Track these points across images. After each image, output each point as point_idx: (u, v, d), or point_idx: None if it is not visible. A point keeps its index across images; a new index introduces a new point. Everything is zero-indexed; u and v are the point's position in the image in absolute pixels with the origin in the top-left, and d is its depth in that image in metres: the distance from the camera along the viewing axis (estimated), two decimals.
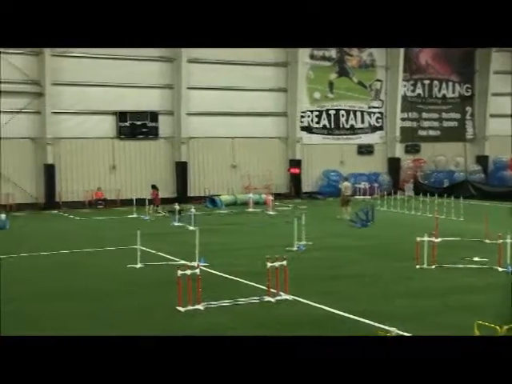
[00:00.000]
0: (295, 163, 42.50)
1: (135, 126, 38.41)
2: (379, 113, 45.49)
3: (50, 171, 36.37)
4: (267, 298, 13.41)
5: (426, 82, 46.76)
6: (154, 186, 32.76)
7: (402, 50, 44.30)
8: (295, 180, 42.52)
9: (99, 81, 37.13)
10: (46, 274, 17.20)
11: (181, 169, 39.54)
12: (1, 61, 34.66)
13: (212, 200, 37.21)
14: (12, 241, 23.65)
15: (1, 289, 15.04)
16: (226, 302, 13.14)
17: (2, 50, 34.26)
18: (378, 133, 45.57)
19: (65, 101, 36.67)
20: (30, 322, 12.07)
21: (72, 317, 12.43)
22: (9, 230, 26.83)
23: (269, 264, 13.42)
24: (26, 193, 36.22)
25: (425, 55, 46.37)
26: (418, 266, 16.87)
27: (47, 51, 35.37)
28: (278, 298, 13.44)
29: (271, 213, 32.30)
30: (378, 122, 45.51)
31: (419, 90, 46.64)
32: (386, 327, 10.66)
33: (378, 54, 44.84)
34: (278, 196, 38.41)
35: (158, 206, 31.59)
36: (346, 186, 30.55)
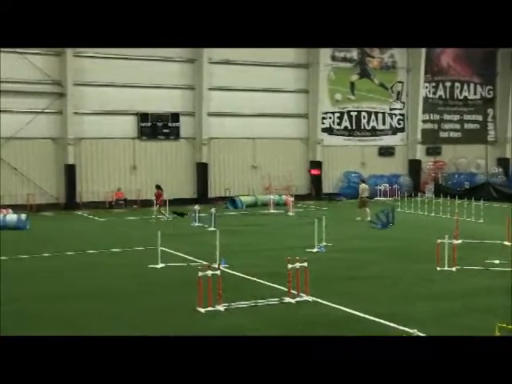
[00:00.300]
0: (316, 164, 42.41)
1: (156, 126, 38.55)
2: (400, 114, 45.27)
3: (70, 171, 36.59)
4: (287, 299, 13.35)
5: (448, 83, 46.48)
6: (158, 186, 32.26)
7: (423, 52, 44.07)
8: (316, 181, 42.43)
9: (121, 81, 37.32)
10: (66, 274, 17.27)
11: (201, 169, 39.61)
12: (23, 61, 35.00)
13: (232, 201, 37.22)
14: (33, 241, 23.82)
15: (22, 289, 15.18)
16: (246, 303, 13.10)
17: (24, 50, 34.59)
18: (399, 134, 45.37)
19: (86, 101, 36.90)
20: (52, 322, 12.11)
21: (93, 317, 12.46)
22: (29, 230, 27.00)
23: (289, 265, 13.36)
24: (47, 193, 36.47)
25: (446, 57, 46.10)
26: (438, 268, 16.73)
27: (69, 52, 35.62)
28: (299, 299, 13.38)
29: (291, 214, 32.24)
30: (399, 124, 45.28)
31: (441, 92, 46.36)
32: (407, 329, 10.58)
33: (400, 56, 44.65)
34: (298, 197, 38.32)
35: (160, 206, 30.95)
36: (363, 188, 30.48)
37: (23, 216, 27.91)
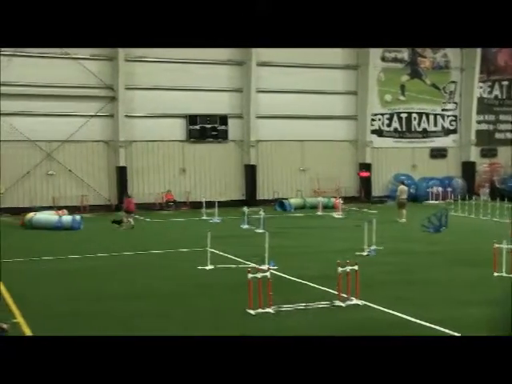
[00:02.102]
0: (365, 167, 42.06)
1: (205, 129, 38.78)
2: (453, 115, 44.54)
3: (122, 173, 37.09)
4: (337, 303, 13.25)
5: (505, 83, 45.46)
6: (127, 194, 32.06)
7: (478, 51, 43.25)
8: (365, 184, 42.07)
9: (170, 84, 37.69)
10: (118, 274, 17.52)
11: (250, 172, 39.68)
12: (77, 67, 35.69)
13: (281, 203, 37.19)
14: (86, 241, 24.21)
15: (77, 289, 15.44)
16: (296, 306, 13.05)
17: (78, 56, 35.27)
18: (452, 136, 44.63)
19: (137, 104, 37.38)
20: (103, 322, 12.27)
21: (144, 317, 12.59)
22: (83, 230, 27.47)
23: (340, 268, 13.26)
24: (100, 195, 37.05)
25: (503, 55, 45.07)
26: (495, 274, 16.30)
27: (121, 56, 36.14)
28: (349, 302, 13.26)
29: (340, 216, 32.03)
30: (451, 125, 44.56)
31: (497, 92, 45.39)
32: (459, 335, 10.38)
33: (453, 55, 43.95)
34: (347, 200, 38.06)
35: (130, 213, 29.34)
36: (401, 190, 30.70)
37: (77, 217, 28.48)
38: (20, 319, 12.20)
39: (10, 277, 16.66)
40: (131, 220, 28.48)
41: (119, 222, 28.40)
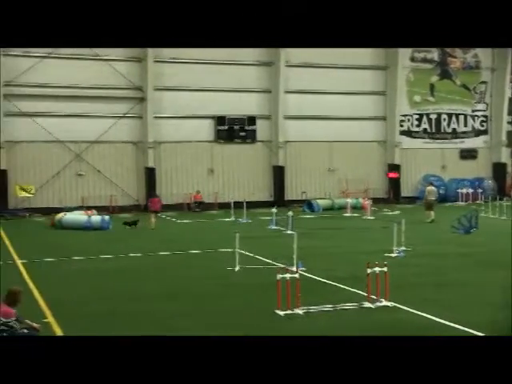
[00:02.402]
0: (394, 167, 41.80)
1: (233, 129, 38.85)
2: (483, 116, 44.05)
3: (150, 174, 37.31)
4: (367, 304, 13.16)
5: None
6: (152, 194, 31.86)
7: (509, 51, 42.72)
8: (394, 185, 41.80)
9: (198, 85, 37.84)
10: (146, 274, 17.61)
11: (278, 172, 39.66)
12: (107, 68, 35.99)
13: (309, 204, 37.10)
14: (116, 241, 24.39)
15: (109, 289, 15.56)
16: (324, 307, 13.00)
17: (108, 57, 35.58)
18: (482, 137, 44.14)
19: (165, 105, 37.59)
20: (131, 322, 12.34)
21: (172, 317, 12.63)
22: (112, 230, 27.66)
23: (368, 269, 13.17)
24: (128, 195, 37.30)
25: None
26: None
27: (150, 58, 36.35)
28: (378, 304, 13.17)
29: (369, 218, 31.86)
30: (482, 126, 44.08)
31: None
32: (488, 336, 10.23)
33: (484, 55, 43.47)
34: (375, 201, 37.82)
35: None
36: (429, 191, 30.78)
37: (106, 217, 28.69)
38: (51, 319, 12.31)
39: (40, 277, 16.87)
40: (153, 220, 28.57)
41: (130, 224, 28.47)
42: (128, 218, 30.79)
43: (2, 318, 9.76)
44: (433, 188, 31.30)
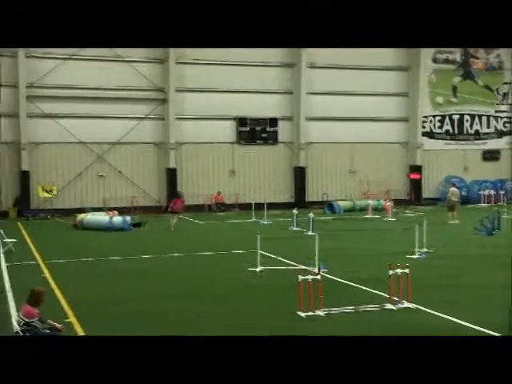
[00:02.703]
0: (415, 169, 41.56)
1: (255, 131, 38.86)
2: (507, 117, 43.63)
3: (171, 175, 37.42)
4: (389, 306, 13.09)
5: None
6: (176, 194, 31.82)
7: None
8: (415, 186, 41.56)
9: (220, 87, 37.89)
10: (169, 275, 17.66)
11: (299, 174, 39.61)
12: (129, 69, 36.19)
13: (330, 205, 36.99)
14: (137, 242, 24.49)
15: (122, 289, 15.63)
16: (346, 309, 12.94)
17: (130, 59, 35.80)
18: (506, 138, 43.71)
19: (187, 107, 37.67)
20: (152, 322, 12.37)
21: (194, 317, 12.65)
22: (133, 231, 27.77)
23: (391, 271, 13.09)
24: (149, 196, 37.45)
25: None
26: None
27: (172, 59, 36.49)
28: (400, 306, 13.09)
29: (390, 219, 31.71)
30: (505, 127, 43.67)
31: None
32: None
33: (506, 56, 43.10)
34: (396, 202, 37.63)
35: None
36: (452, 192, 30.91)
37: (128, 218, 28.77)
38: (73, 319, 12.38)
39: (63, 277, 16.99)
40: (174, 220, 28.64)
41: (135, 225, 28.59)
42: (140, 218, 30.81)
43: (24, 318, 9.83)
44: (455, 189, 31.40)
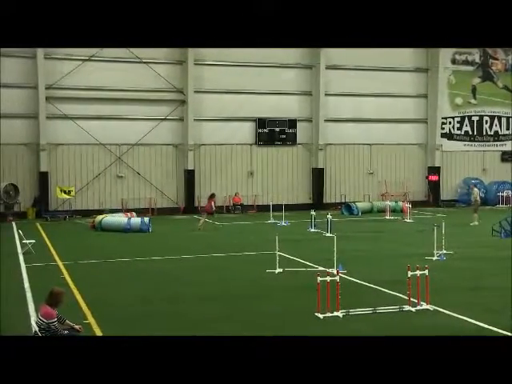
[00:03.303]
0: (434, 170, 41.34)
1: (273, 132, 38.83)
2: None
3: (190, 176, 37.49)
4: (407, 308, 13.02)
5: None
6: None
7: None
8: (434, 187, 41.33)
9: (239, 88, 37.89)
10: (188, 276, 17.68)
11: (317, 175, 39.52)
12: (148, 71, 36.33)
13: (348, 207, 36.88)
14: (156, 244, 24.56)
15: (141, 290, 15.67)
16: (364, 310, 12.89)
17: (149, 60, 35.96)
18: None
19: (206, 108, 37.72)
20: (170, 323, 12.40)
21: (212, 319, 12.66)
22: (151, 233, 27.85)
23: (409, 273, 13.02)
24: (167, 197, 37.54)
25: None
26: None
27: (190, 60, 36.56)
28: (419, 307, 13.02)
29: (409, 221, 31.56)
30: None
31: None
32: None
33: None
34: (415, 204, 37.44)
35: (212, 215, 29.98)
36: (477, 193, 31.18)
37: (146, 219, 28.84)
38: (91, 320, 12.44)
39: (82, 278, 17.07)
40: (201, 220, 28.86)
41: None
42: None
43: (43, 319, 9.85)
44: (477, 190, 31.61)
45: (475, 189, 31.53)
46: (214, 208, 29.59)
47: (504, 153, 43.05)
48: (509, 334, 11.16)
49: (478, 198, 30.66)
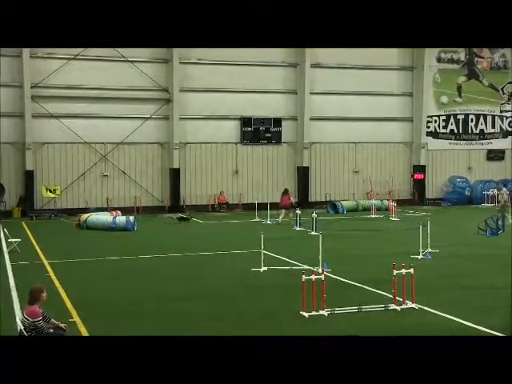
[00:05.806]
0: (419, 169, 41.50)
1: (259, 131, 38.84)
2: None
3: (175, 175, 37.42)
4: (392, 306, 13.07)
5: None
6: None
7: None
8: (419, 186, 41.50)
9: (224, 86, 37.86)
10: (171, 275, 17.65)
11: (302, 174, 39.57)
12: (133, 70, 36.21)
13: (333, 205, 36.96)
14: (142, 242, 24.50)
15: (127, 288, 15.64)
16: (350, 309, 12.93)
17: (134, 59, 35.85)
18: (510, 138, 43.55)
19: (191, 106, 37.66)
20: (156, 322, 12.38)
21: (198, 317, 12.65)
22: (137, 231, 27.79)
23: (395, 271, 13.08)
24: (153, 196, 37.45)
25: None
26: None
27: (176, 59, 36.47)
28: (404, 306, 13.08)
29: (394, 219, 31.68)
30: (510, 127, 43.56)
31: None
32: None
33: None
34: (400, 202, 37.59)
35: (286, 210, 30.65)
36: (503, 193, 31.51)
37: (131, 218, 28.76)
38: (77, 319, 12.40)
39: (67, 277, 17.01)
40: (281, 215, 29.93)
41: (185, 219, 30.80)
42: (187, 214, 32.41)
43: (29, 318, 9.85)
44: (505, 189, 31.98)
45: (504, 188, 31.46)
46: (291, 201, 30.99)
47: (490, 151, 43.29)
48: (493, 332, 11.24)
49: (506, 197, 30.37)
